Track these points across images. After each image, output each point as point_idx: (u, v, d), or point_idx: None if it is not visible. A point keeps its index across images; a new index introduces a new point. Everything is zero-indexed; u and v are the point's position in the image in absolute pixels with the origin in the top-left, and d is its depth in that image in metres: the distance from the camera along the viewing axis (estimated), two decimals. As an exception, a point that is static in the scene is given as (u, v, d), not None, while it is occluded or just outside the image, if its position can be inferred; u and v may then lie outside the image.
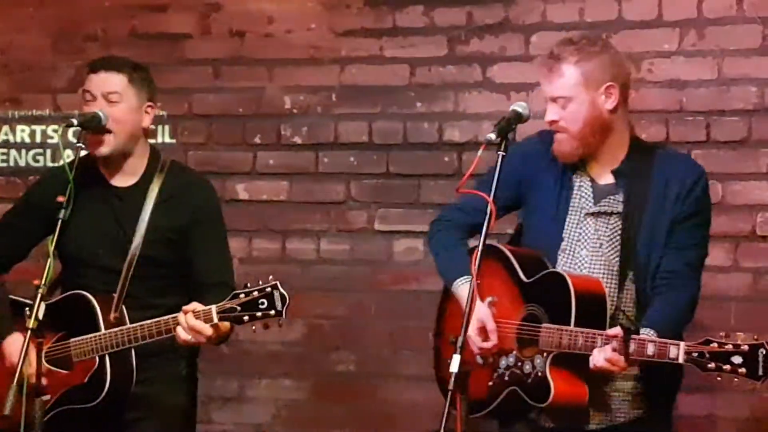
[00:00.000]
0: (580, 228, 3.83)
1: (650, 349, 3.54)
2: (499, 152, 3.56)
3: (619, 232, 3.80)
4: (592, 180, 3.85)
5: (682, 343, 3.51)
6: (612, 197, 3.82)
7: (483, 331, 3.74)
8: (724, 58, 4.86)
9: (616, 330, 3.59)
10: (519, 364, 3.74)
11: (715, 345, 3.47)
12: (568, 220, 3.83)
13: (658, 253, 3.76)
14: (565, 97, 3.75)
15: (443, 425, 3.31)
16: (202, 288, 3.89)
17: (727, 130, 4.87)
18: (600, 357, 3.58)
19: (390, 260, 5.17)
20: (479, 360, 3.79)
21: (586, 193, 3.84)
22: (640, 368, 3.73)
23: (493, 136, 3.57)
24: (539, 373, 3.68)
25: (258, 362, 5.30)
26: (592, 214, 3.82)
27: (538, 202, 3.89)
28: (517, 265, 3.84)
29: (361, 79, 5.24)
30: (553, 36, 4.97)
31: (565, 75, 3.75)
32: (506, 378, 3.73)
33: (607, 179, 3.84)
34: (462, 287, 3.80)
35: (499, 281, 3.86)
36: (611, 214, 3.81)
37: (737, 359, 3.44)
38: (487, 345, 3.73)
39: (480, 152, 3.56)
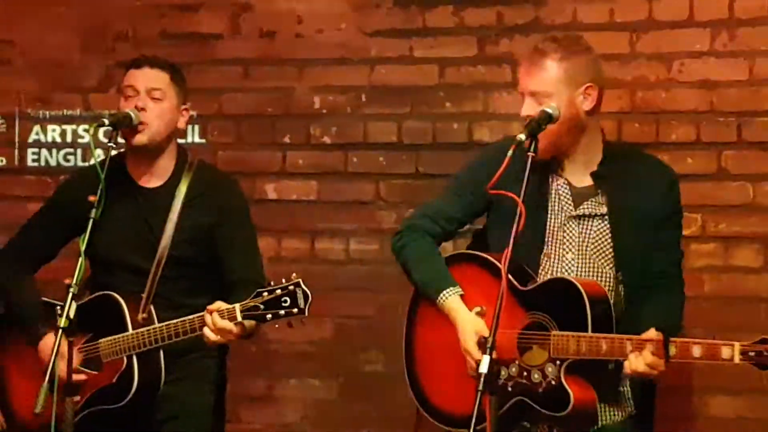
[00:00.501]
0: (563, 232, 3.81)
1: (696, 352, 3.51)
2: (529, 153, 3.54)
3: (605, 234, 3.79)
4: (569, 183, 3.84)
5: (736, 343, 3.45)
6: (592, 199, 3.81)
7: (481, 344, 3.66)
8: (756, 59, 4.85)
9: (651, 334, 3.56)
10: (525, 373, 3.68)
11: None
12: (549, 222, 3.81)
13: (647, 253, 3.78)
14: (545, 92, 3.74)
15: (473, 427, 3.28)
16: (233, 286, 3.93)
17: (758, 130, 4.86)
18: (640, 362, 3.54)
19: (419, 260, 5.19)
20: (472, 372, 3.72)
21: (565, 197, 3.83)
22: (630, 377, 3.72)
23: (523, 136, 3.56)
24: (553, 382, 3.63)
25: (286, 362, 5.32)
26: (575, 217, 3.81)
27: (510, 207, 3.77)
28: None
29: (391, 79, 5.25)
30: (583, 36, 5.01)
31: (547, 70, 3.74)
32: (509, 389, 3.65)
33: (584, 182, 3.83)
34: (450, 299, 3.76)
35: (484, 290, 3.78)
36: (594, 216, 3.81)
37: None
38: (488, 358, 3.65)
39: (510, 153, 3.54)
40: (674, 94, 4.93)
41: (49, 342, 3.96)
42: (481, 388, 3.30)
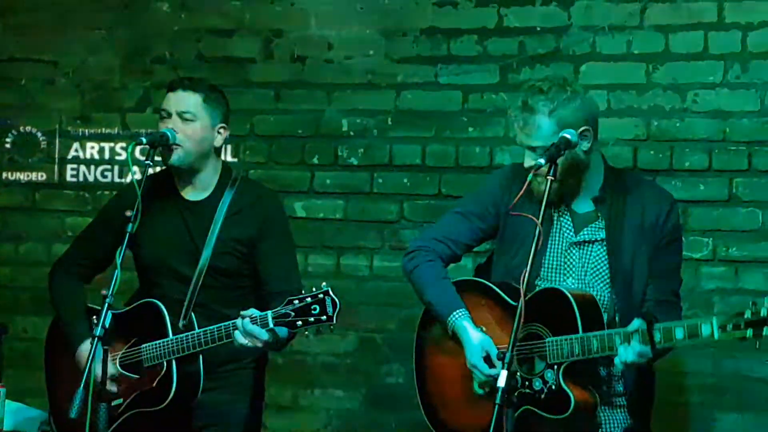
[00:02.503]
0: (564, 257, 3.85)
1: (679, 333, 3.56)
2: (548, 177, 3.57)
3: (603, 258, 3.82)
4: (570, 210, 3.87)
5: (714, 318, 3.51)
6: (592, 225, 3.85)
7: (488, 359, 3.77)
8: (767, 91, 4.97)
9: (637, 324, 3.62)
10: (527, 383, 3.74)
11: (749, 313, 3.46)
12: (548, 251, 3.84)
13: (641, 277, 3.80)
14: (543, 146, 3.72)
15: None
16: (271, 297, 3.98)
17: (769, 159, 4.97)
18: (629, 353, 3.60)
19: (440, 278, 5.28)
20: (479, 391, 3.82)
21: (566, 224, 3.87)
22: (626, 382, 3.80)
23: (542, 161, 3.59)
24: (553, 387, 3.70)
25: (312, 372, 5.44)
26: (576, 243, 3.85)
27: (517, 234, 3.87)
28: (502, 293, 3.86)
29: (416, 104, 5.38)
30: (601, 67, 5.13)
31: (541, 127, 3.73)
32: (514, 400, 3.56)
33: (585, 208, 3.86)
34: (460, 321, 3.83)
35: (484, 312, 3.88)
36: (594, 242, 3.84)
37: None
38: (494, 372, 3.72)
39: (530, 177, 3.62)
40: (688, 124, 5.05)
41: (85, 349, 4.05)
42: (499, 401, 3.35)
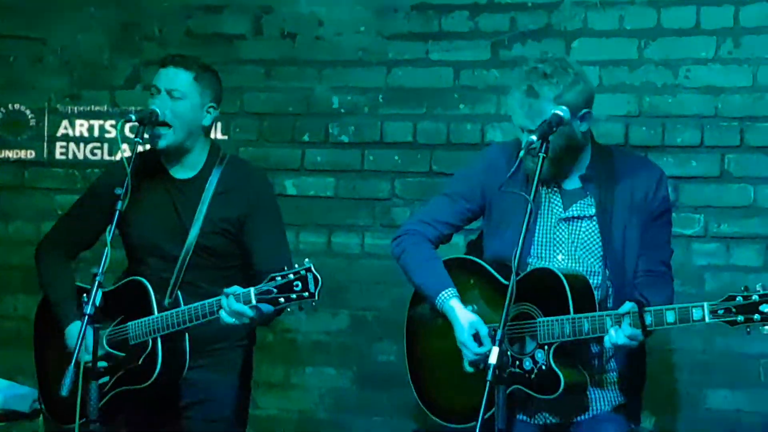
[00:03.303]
0: (553, 233, 3.86)
1: (670, 317, 3.58)
2: (540, 154, 3.56)
3: (593, 234, 3.83)
4: (559, 186, 3.87)
5: (705, 303, 3.54)
6: (581, 201, 3.85)
7: (477, 338, 3.78)
8: (759, 66, 4.96)
9: (629, 306, 3.63)
10: (517, 362, 3.75)
11: (740, 298, 3.49)
12: (538, 226, 3.85)
13: (632, 252, 3.82)
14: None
15: (481, 416, 3.36)
16: (260, 276, 3.96)
17: (761, 135, 4.96)
18: (620, 335, 3.62)
19: (431, 255, 5.29)
20: (469, 368, 3.81)
21: (555, 200, 3.87)
22: (617, 361, 3.81)
23: (534, 138, 3.58)
24: (543, 367, 3.71)
25: (303, 351, 5.44)
26: (564, 219, 3.85)
27: (505, 212, 3.87)
28: (493, 271, 3.87)
29: (407, 81, 5.37)
30: (593, 43, 5.12)
31: (547, 113, 3.69)
32: (505, 376, 3.51)
33: (573, 184, 3.87)
34: (449, 301, 3.84)
35: (475, 290, 3.89)
36: (582, 218, 3.85)
37: (767, 307, 3.46)
38: (483, 350, 3.73)
39: (521, 154, 3.61)
40: (680, 100, 5.04)
41: (74, 328, 4.05)
42: (490, 378, 3.36)
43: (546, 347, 3.72)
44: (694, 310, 3.55)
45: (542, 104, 3.72)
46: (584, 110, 3.77)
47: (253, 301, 3.85)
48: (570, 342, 3.70)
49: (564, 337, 3.70)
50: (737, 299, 3.50)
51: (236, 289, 3.89)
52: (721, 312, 3.52)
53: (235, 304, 3.86)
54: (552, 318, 3.71)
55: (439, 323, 3.93)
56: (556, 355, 3.71)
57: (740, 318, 3.49)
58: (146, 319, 4.05)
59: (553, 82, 3.74)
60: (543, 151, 3.58)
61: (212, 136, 4.24)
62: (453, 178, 4.12)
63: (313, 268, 3.79)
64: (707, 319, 3.54)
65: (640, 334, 3.62)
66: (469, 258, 4.01)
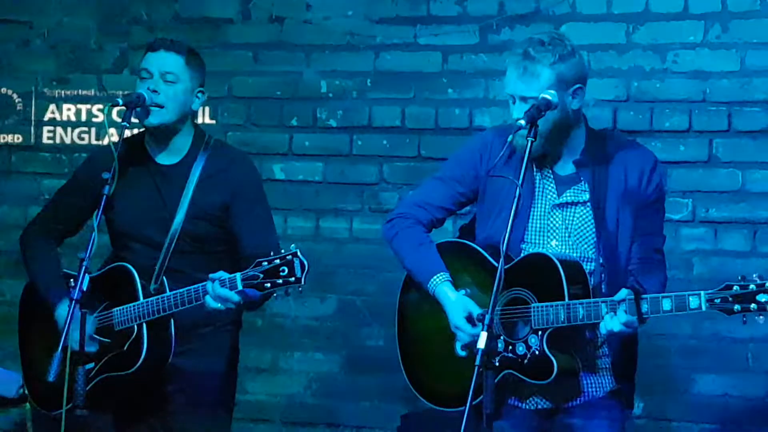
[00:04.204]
0: (547, 219, 3.84)
1: (667, 305, 3.58)
2: (528, 138, 3.56)
3: (587, 220, 3.82)
4: (553, 172, 3.86)
5: (702, 292, 3.54)
6: (575, 187, 3.84)
7: (470, 319, 3.76)
8: (747, 51, 4.98)
9: (624, 294, 3.63)
10: (510, 347, 3.73)
11: (737, 288, 3.48)
12: (532, 212, 3.84)
13: (626, 238, 3.81)
14: (536, 99, 3.69)
15: (469, 401, 3.36)
16: (247, 262, 3.93)
17: (749, 120, 4.98)
18: (615, 322, 3.61)
19: (420, 240, 5.29)
20: (462, 352, 3.79)
21: (549, 186, 3.86)
22: (610, 346, 3.80)
23: (523, 122, 3.58)
24: (536, 352, 3.70)
25: (291, 336, 5.45)
26: (558, 205, 3.84)
27: (497, 196, 3.85)
28: (487, 255, 3.84)
29: (396, 66, 5.37)
30: (582, 27, 5.12)
31: (540, 77, 3.70)
32: (497, 363, 3.62)
33: (567, 170, 3.86)
34: (441, 285, 3.82)
35: (468, 275, 3.87)
36: (576, 204, 3.83)
37: (764, 297, 3.46)
38: (477, 330, 3.68)
39: (510, 138, 3.60)
40: (668, 84, 5.06)
41: (62, 312, 4.02)
42: (478, 362, 3.35)
43: (540, 332, 3.70)
44: (690, 299, 3.54)
45: (537, 67, 3.71)
46: (577, 85, 3.76)
47: (239, 287, 3.83)
48: (564, 328, 3.69)
49: (558, 323, 3.68)
50: (734, 288, 3.50)
51: (222, 274, 3.87)
52: (717, 301, 3.51)
53: (220, 289, 3.85)
54: (546, 303, 3.70)
55: (430, 307, 3.91)
56: (549, 341, 3.70)
57: (737, 307, 3.49)
58: (132, 304, 4.03)
59: (549, 49, 3.74)
60: (531, 135, 3.57)
61: (199, 120, 4.23)
62: (446, 162, 4.09)
63: (299, 253, 3.77)
64: (704, 308, 3.53)
65: (635, 321, 3.61)
66: (461, 242, 3.99)
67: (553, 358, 3.69)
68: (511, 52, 3.83)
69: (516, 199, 3.51)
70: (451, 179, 3.98)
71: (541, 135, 3.64)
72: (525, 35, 5.03)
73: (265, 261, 3.80)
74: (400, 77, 5.36)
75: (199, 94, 4.16)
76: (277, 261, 3.79)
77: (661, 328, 4.96)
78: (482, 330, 3.40)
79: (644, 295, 3.61)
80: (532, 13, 5.20)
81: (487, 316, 3.41)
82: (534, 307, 3.73)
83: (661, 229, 3.91)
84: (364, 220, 5.39)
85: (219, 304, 3.88)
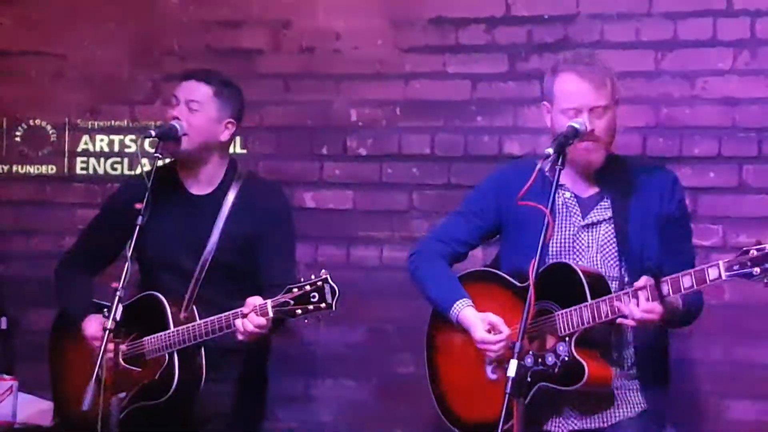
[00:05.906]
0: (573, 241, 3.88)
1: (687, 282, 3.58)
2: (556, 166, 3.62)
3: (610, 237, 3.86)
4: (575, 195, 3.91)
5: (720, 261, 3.54)
6: (599, 206, 3.89)
7: (492, 328, 3.79)
8: (776, 78, 4.96)
9: (643, 280, 3.64)
10: (539, 360, 3.75)
11: (755, 251, 3.48)
12: (557, 236, 3.87)
13: (652, 253, 3.83)
14: (605, 106, 3.81)
15: (501, 427, 3.39)
16: (266, 289, 4.02)
17: (779, 146, 4.96)
18: (637, 311, 3.62)
19: (449, 268, 5.30)
20: (492, 375, 3.82)
21: (573, 209, 3.91)
22: (638, 368, 3.82)
23: (551, 150, 3.64)
24: (566, 358, 3.71)
25: (323, 363, 5.45)
26: (585, 226, 3.88)
27: (522, 225, 3.87)
28: (509, 277, 3.89)
29: (425, 94, 5.38)
30: (610, 54, 5.10)
31: (607, 86, 3.82)
32: (529, 380, 3.59)
33: (589, 191, 3.92)
34: (465, 311, 3.85)
35: (492, 299, 3.90)
36: (601, 222, 3.88)
37: None
38: (502, 336, 3.74)
39: (539, 166, 3.66)
40: (697, 111, 5.05)
41: (90, 324, 4.10)
42: (509, 391, 3.39)
43: (567, 339, 3.72)
44: (709, 270, 3.55)
45: (607, 79, 3.82)
46: (618, 96, 3.85)
47: (270, 313, 3.87)
48: (591, 331, 3.70)
49: (584, 324, 3.70)
50: (751, 252, 3.49)
51: (254, 301, 3.91)
52: (736, 267, 3.51)
53: (252, 316, 3.89)
54: (570, 309, 3.72)
55: (458, 335, 3.94)
56: (578, 345, 3.71)
57: (756, 270, 3.47)
58: (162, 333, 4.07)
59: (602, 62, 3.89)
60: (560, 163, 3.62)
61: (230, 150, 4.27)
62: (466, 197, 4.15)
63: (329, 279, 3.82)
64: (723, 276, 3.52)
65: (657, 305, 3.61)
66: (485, 269, 4.04)
67: (583, 362, 3.70)
68: (569, 63, 3.87)
69: (545, 227, 3.55)
70: (470, 214, 4.05)
71: (605, 146, 3.75)
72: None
73: (295, 287, 3.84)
74: (429, 105, 5.37)
75: (229, 125, 4.20)
76: (308, 287, 3.83)
77: (691, 352, 4.93)
78: (512, 357, 3.42)
79: (663, 277, 3.60)
80: (561, 41, 5.20)
81: (517, 344, 3.44)
82: (558, 315, 3.75)
83: (692, 248, 3.95)
84: (394, 248, 5.39)
85: (249, 331, 3.91)
